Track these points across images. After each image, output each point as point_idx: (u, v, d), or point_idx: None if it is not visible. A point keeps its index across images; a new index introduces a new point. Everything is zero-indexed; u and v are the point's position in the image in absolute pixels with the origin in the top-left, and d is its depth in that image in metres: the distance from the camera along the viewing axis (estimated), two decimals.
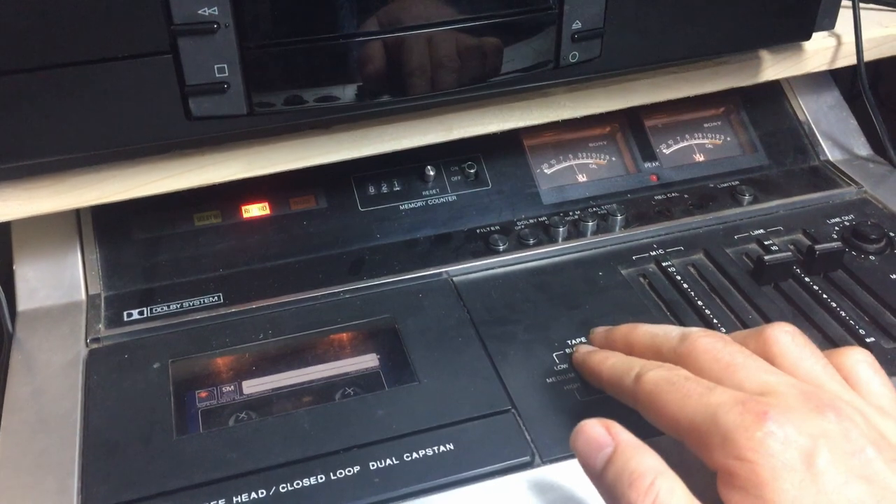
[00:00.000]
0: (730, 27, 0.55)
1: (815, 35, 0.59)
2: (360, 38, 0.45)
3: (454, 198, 0.60)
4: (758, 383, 0.34)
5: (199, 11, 0.42)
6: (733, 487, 0.31)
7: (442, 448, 0.42)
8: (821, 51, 0.63)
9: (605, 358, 0.42)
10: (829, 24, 0.60)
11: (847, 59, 0.64)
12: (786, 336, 0.37)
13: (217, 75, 0.44)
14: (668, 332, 0.40)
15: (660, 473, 0.33)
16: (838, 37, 0.63)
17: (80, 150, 0.46)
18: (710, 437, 0.33)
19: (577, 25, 0.50)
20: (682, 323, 0.50)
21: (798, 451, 0.31)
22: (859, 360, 0.37)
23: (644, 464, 0.33)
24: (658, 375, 0.37)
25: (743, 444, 0.31)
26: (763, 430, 0.31)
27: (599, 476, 0.35)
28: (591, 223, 0.58)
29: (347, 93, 0.47)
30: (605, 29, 0.51)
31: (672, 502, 0.32)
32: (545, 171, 0.63)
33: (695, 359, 0.37)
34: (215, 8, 0.42)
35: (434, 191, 0.60)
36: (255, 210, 0.57)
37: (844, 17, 0.61)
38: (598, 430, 0.35)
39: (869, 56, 0.64)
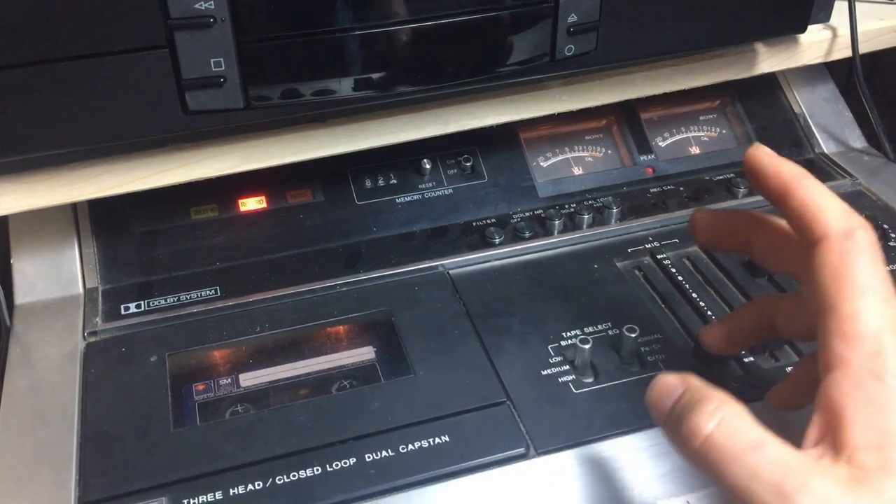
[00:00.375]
0: (725, 20, 0.56)
1: (810, 28, 0.60)
2: (356, 32, 0.46)
3: (450, 191, 0.60)
4: None
5: (196, 6, 0.42)
6: (854, 398, 0.31)
7: (437, 440, 0.42)
8: (816, 43, 0.63)
9: (806, 175, 0.37)
10: (824, 17, 0.60)
11: (842, 51, 0.64)
12: None
13: (213, 69, 0.44)
14: None
15: (727, 401, 0.32)
16: (834, 29, 0.63)
17: (77, 144, 0.46)
18: (864, 340, 0.32)
19: (572, 19, 0.50)
20: (676, 315, 0.51)
21: None
22: None
23: (712, 392, 0.33)
24: (869, 245, 0.34)
25: (891, 369, 0.31)
26: None
27: (667, 415, 0.34)
28: (586, 216, 0.58)
29: (344, 86, 0.47)
30: (600, 22, 0.51)
31: (739, 423, 0.32)
32: (541, 164, 0.63)
33: None
34: (212, 2, 0.42)
35: (430, 184, 0.60)
36: (251, 203, 0.58)
37: (840, 10, 0.62)
38: (670, 379, 0.35)
39: (864, 49, 0.64)
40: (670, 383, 0.35)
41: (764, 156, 0.39)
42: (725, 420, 0.32)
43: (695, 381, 0.34)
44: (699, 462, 0.32)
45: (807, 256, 0.35)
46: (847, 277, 0.33)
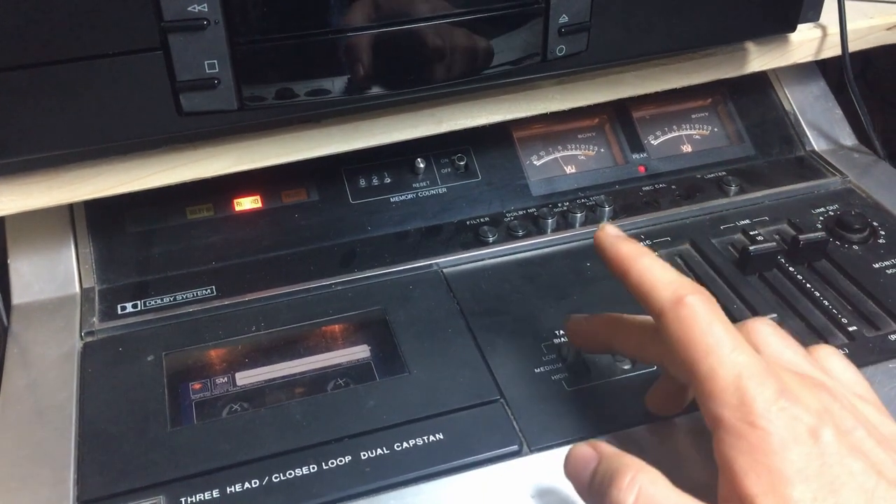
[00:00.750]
0: (716, 19, 0.56)
1: (800, 27, 0.60)
2: (349, 33, 0.46)
3: (444, 190, 0.61)
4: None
5: (189, 8, 0.43)
6: (738, 450, 0.32)
7: (432, 438, 0.43)
8: (806, 42, 0.64)
9: (640, 254, 0.39)
10: (813, 16, 0.61)
11: (832, 50, 0.65)
12: (767, 328, 0.38)
13: (207, 71, 0.45)
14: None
15: (640, 469, 0.34)
16: (823, 28, 0.64)
17: (73, 145, 0.46)
18: (726, 394, 0.33)
19: (563, 19, 0.50)
20: None
21: (806, 426, 0.32)
22: (829, 353, 0.38)
23: (624, 462, 0.34)
24: (701, 307, 0.35)
25: (759, 412, 0.32)
26: (780, 403, 0.32)
27: (588, 489, 0.36)
28: (579, 214, 0.59)
29: (337, 87, 0.47)
30: (591, 23, 0.51)
31: (656, 492, 0.33)
32: (534, 162, 0.63)
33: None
34: (205, 4, 0.43)
35: (424, 183, 0.61)
36: (247, 203, 0.58)
37: (830, 9, 0.62)
38: (583, 450, 0.37)
39: (854, 47, 0.64)
40: (584, 454, 0.36)
41: (604, 237, 0.41)
42: (643, 491, 0.33)
43: (607, 450, 0.36)
44: None
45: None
46: (691, 342, 0.35)
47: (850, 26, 0.63)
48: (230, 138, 0.52)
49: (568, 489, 0.40)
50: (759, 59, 0.63)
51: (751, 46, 0.62)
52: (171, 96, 0.45)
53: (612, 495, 0.33)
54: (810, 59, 0.65)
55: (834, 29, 0.64)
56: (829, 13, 0.62)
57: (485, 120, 0.57)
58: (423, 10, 0.47)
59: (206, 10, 0.43)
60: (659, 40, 0.55)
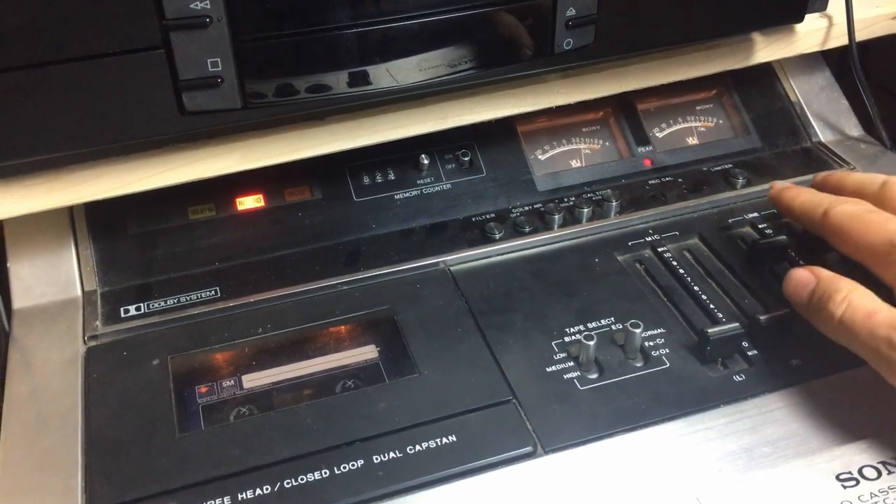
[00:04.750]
0: (722, 11, 0.55)
1: (806, 16, 0.59)
2: (354, 29, 0.45)
3: (448, 186, 0.60)
4: None
5: (191, 6, 0.42)
6: None
7: (444, 440, 0.42)
8: (812, 32, 0.63)
9: (797, 194, 0.51)
10: (821, 6, 0.60)
11: (838, 39, 0.64)
12: None
13: (210, 69, 0.44)
14: (873, 178, 0.49)
15: (854, 288, 0.42)
16: (829, 17, 0.63)
17: (75, 147, 0.45)
18: (888, 256, 0.42)
19: (571, 12, 0.50)
20: (678, 308, 0.51)
21: None
22: None
23: (840, 283, 0.42)
24: (842, 210, 0.46)
25: None
26: None
27: (807, 307, 0.44)
28: (586, 209, 0.58)
29: (341, 83, 0.47)
30: (598, 15, 0.51)
31: (863, 303, 0.41)
32: (539, 157, 0.62)
33: (890, 199, 0.46)
34: (207, 2, 0.42)
35: (428, 179, 0.60)
36: (249, 202, 0.57)
37: None
38: (802, 273, 0.45)
39: (860, 36, 0.64)
40: (803, 277, 0.45)
41: (770, 196, 0.55)
42: (851, 303, 0.41)
43: (824, 274, 0.44)
44: (837, 338, 0.42)
45: None
46: (844, 236, 0.46)
47: (855, 15, 0.63)
48: (233, 137, 0.51)
49: (583, 490, 0.40)
50: (766, 50, 0.62)
51: (757, 37, 0.62)
52: (173, 95, 0.44)
53: (829, 308, 0.42)
54: (816, 49, 0.64)
55: (840, 18, 0.63)
56: (834, 2, 0.62)
57: (490, 115, 0.57)
58: (429, 5, 0.46)
59: (208, 7, 0.42)
60: (665, 32, 0.55)
